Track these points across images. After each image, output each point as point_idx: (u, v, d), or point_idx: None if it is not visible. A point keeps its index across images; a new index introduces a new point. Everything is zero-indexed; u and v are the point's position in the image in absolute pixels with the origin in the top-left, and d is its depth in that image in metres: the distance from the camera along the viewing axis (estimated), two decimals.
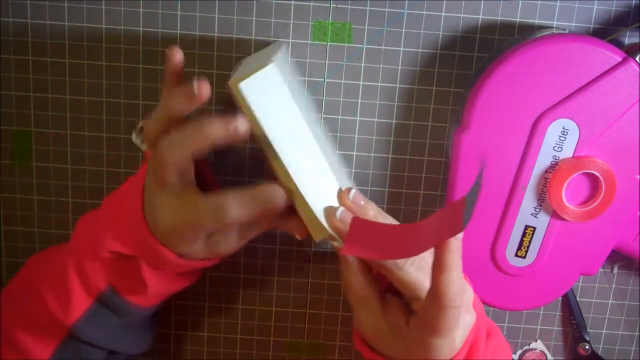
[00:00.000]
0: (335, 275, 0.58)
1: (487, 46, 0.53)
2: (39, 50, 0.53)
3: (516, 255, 0.53)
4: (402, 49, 0.53)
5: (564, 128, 0.49)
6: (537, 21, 0.53)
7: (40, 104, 0.54)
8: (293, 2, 0.52)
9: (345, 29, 0.53)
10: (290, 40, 0.53)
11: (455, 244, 0.39)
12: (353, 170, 0.56)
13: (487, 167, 0.50)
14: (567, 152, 0.50)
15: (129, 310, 0.48)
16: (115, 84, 0.54)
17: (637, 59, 0.48)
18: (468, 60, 0.54)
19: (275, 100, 0.43)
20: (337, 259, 0.47)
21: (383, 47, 0.53)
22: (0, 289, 0.52)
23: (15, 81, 0.54)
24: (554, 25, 0.53)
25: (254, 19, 0.53)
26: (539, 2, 0.52)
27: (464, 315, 0.44)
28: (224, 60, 0.53)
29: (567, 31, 0.52)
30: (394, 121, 0.55)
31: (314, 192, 0.45)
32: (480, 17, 0.53)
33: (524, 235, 0.52)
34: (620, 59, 0.48)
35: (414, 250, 0.40)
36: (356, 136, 0.55)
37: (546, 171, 0.50)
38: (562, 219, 0.51)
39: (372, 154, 0.56)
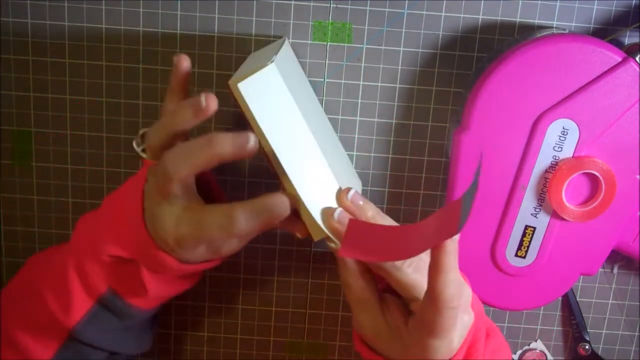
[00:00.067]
0: (335, 275, 0.58)
1: (487, 46, 0.53)
2: (39, 50, 0.53)
3: (516, 255, 0.53)
4: (402, 49, 0.53)
5: (564, 128, 0.49)
6: (537, 21, 0.53)
7: (40, 104, 0.54)
8: (293, 2, 0.52)
9: (345, 29, 0.53)
10: (291, 40, 0.53)
11: (452, 246, 0.39)
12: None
13: (483, 167, 0.50)
14: (567, 152, 0.50)
15: (130, 313, 0.48)
16: (115, 84, 0.54)
17: (637, 59, 0.48)
18: (468, 60, 0.54)
19: (274, 100, 0.43)
20: (336, 259, 0.47)
21: (383, 47, 0.53)
22: (0, 289, 0.52)
23: (15, 81, 0.54)
24: (554, 25, 0.53)
25: (254, 18, 0.53)
26: (539, 2, 0.52)
27: (462, 315, 0.44)
28: (224, 60, 0.53)
29: (567, 31, 0.52)
30: (394, 121, 0.55)
31: (313, 193, 0.45)
32: (480, 17, 0.53)
33: (524, 235, 0.52)
34: (620, 59, 0.48)
35: (411, 251, 0.40)
36: (356, 136, 0.55)
37: (546, 171, 0.50)
38: (562, 219, 0.51)
39: (372, 154, 0.56)
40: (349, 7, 0.52)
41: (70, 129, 0.55)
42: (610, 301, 0.59)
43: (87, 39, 0.53)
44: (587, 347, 0.60)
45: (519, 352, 0.61)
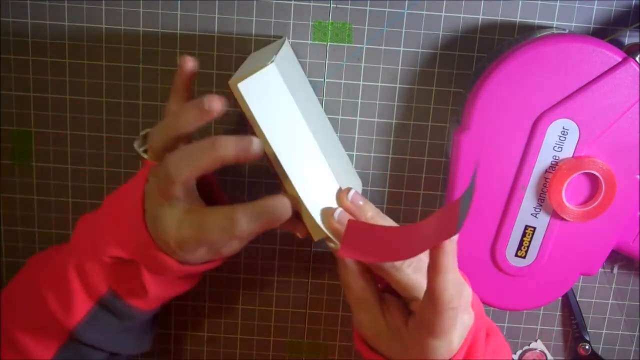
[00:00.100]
0: (335, 275, 0.58)
1: (487, 46, 0.53)
2: (39, 50, 0.53)
3: (516, 255, 0.53)
4: (402, 49, 0.53)
5: (564, 128, 0.49)
6: (537, 21, 0.53)
7: (40, 104, 0.54)
8: (293, 2, 0.52)
9: (345, 29, 0.53)
10: (291, 41, 0.53)
11: (450, 247, 0.39)
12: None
13: (484, 167, 0.50)
14: (567, 152, 0.50)
15: (130, 314, 0.48)
16: (115, 84, 0.54)
17: (637, 59, 0.48)
18: (468, 60, 0.54)
19: (274, 100, 0.43)
20: (336, 259, 0.47)
21: (383, 47, 0.53)
22: (0, 289, 0.52)
23: (15, 81, 0.54)
24: (554, 25, 0.53)
25: (254, 18, 0.53)
26: (539, 2, 0.52)
27: (462, 315, 0.44)
28: (224, 60, 0.53)
29: (567, 31, 0.52)
30: (394, 121, 0.55)
31: (313, 193, 0.45)
32: (480, 17, 0.53)
33: (524, 235, 0.52)
34: (620, 59, 0.48)
35: (410, 252, 0.40)
36: (356, 136, 0.55)
37: (546, 171, 0.50)
38: (562, 219, 0.51)
39: (372, 154, 0.56)
40: (349, 7, 0.52)
41: (70, 129, 0.55)
42: (610, 301, 0.59)
43: (87, 39, 0.53)
44: (587, 347, 0.60)
45: (519, 352, 0.61)
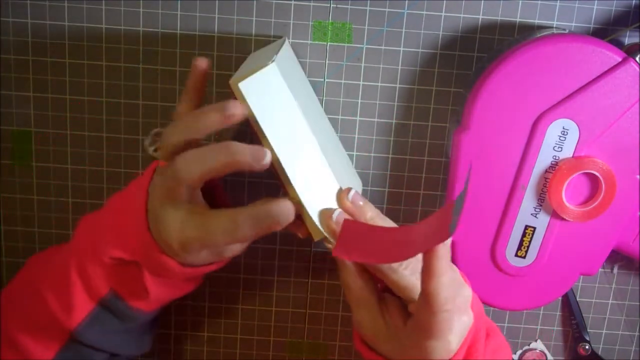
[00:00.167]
0: (335, 275, 0.58)
1: (487, 46, 0.53)
2: (39, 50, 0.53)
3: (516, 255, 0.53)
4: (402, 49, 0.53)
5: (564, 128, 0.49)
6: (537, 21, 0.53)
7: (40, 104, 0.54)
8: (293, 2, 0.52)
9: (345, 29, 0.53)
10: (291, 40, 0.53)
11: (443, 251, 0.39)
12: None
13: (480, 168, 0.50)
14: (567, 152, 0.50)
15: (131, 315, 0.48)
16: (115, 84, 0.54)
17: (637, 59, 0.48)
18: (468, 60, 0.54)
19: (275, 100, 0.43)
20: (337, 259, 0.47)
21: (383, 47, 0.53)
22: (0, 289, 0.52)
23: (15, 81, 0.54)
24: (554, 25, 0.53)
25: (254, 18, 0.53)
26: (539, 2, 0.52)
27: (460, 316, 0.44)
28: (224, 60, 0.53)
29: (567, 31, 0.52)
30: (394, 121, 0.55)
31: (313, 193, 0.45)
32: (480, 17, 0.53)
33: (524, 235, 0.52)
34: (620, 59, 0.48)
35: (402, 255, 0.40)
36: (356, 136, 0.55)
37: (546, 171, 0.50)
38: (562, 219, 0.51)
39: (372, 154, 0.56)
40: (349, 7, 0.52)
41: (70, 129, 0.55)
42: (610, 301, 0.59)
43: (87, 39, 0.53)
44: (587, 347, 0.60)
45: (519, 352, 0.61)
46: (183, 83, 0.54)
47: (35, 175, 0.56)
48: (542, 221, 0.52)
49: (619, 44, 0.52)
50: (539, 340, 0.61)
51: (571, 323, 0.60)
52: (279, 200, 0.43)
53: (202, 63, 0.47)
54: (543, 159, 0.50)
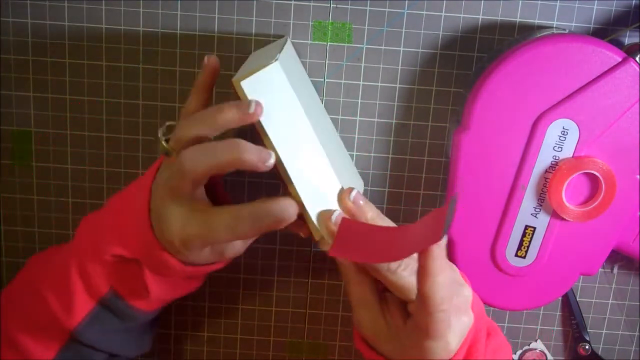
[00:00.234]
0: (335, 275, 0.58)
1: (487, 46, 0.53)
2: (39, 50, 0.53)
3: (516, 255, 0.53)
4: (402, 49, 0.53)
5: (564, 128, 0.49)
6: (537, 21, 0.53)
7: (40, 104, 0.54)
8: (293, 2, 0.52)
9: (345, 29, 0.53)
10: (291, 40, 0.53)
11: (438, 251, 0.39)
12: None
13: (480, 168, 0.50)
14: (567, 152, 0.50)
15: (131, 314, 0.48)
16: (115, 84, 0.54)
17: (637, 59, 0.48)
18: (468, 60, 0.54)
19: (278, 98, 0.43)
20: (336, 259, 0.47)
21: (383, 47, 0.53)
22: (0, 289, 0.52)
23: (15, 81, 0.54)
24: (554, 25, 0.53)
25: (254, 18, 0.53)
26: (539, 2, 0.52)
27: (459, 316, 0.44)
28: (224, 60, 0.53)
29: (567, 31, 0.52)
30: (394, 121, 0.55)
31: (314, 193, 0.45)
32: (480, 17, 0.53)
33: (524, 235, 0.52)
34: (620, 59, 0.48)
35: (397, 255, 0.40)
36: (356, 136, 0.55)
37: (546, 171, 0.50)
38: (562, 219, 0.51)
39: (372, 154, 0.56)
40: (349, 7, 0.52)
41: (70, 129, 0.55)
42: (610, 301, 0.59)
43: (87, 39, 0.53)
44: (587, 347, 0.60)
45: (519, 352, 0.61)
46: (183, 83, 0.54)
47: (35, 175, 0.56)
48: (542, 221, 0.52)
49: (619, 44, 0.52)
50: (539, 340, 0.61)
51: (571, 323, 0.60)
52: (282, 198, 0.43)
53: (213, 61, 0.47)
54: (543, 159, 0.50)
